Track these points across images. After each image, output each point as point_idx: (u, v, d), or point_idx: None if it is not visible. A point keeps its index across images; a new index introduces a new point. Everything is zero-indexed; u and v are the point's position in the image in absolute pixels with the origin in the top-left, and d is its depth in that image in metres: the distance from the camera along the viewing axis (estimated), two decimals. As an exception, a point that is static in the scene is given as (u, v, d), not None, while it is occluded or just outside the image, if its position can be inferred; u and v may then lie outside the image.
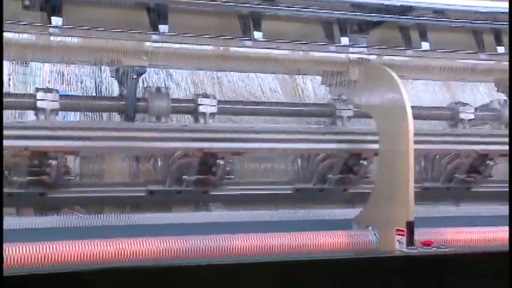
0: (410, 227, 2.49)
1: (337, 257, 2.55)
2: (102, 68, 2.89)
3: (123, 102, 2.74)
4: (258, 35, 2.78)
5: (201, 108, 2.81)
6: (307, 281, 2.33)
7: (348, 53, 2.91)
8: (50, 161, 2.54)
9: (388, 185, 2.63)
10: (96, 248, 2.40)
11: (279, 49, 2.82)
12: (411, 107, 2.56)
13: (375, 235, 2.68)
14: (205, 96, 2.84)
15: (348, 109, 3.03)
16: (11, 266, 2.27)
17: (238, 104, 3.00)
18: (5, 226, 2.48)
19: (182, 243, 2.49)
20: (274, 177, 3.10)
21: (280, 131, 2.94)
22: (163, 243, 2.48)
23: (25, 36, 2.50)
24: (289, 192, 3.04)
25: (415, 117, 2.56)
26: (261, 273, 2.34)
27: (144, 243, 2.47)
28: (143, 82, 2.90)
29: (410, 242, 2.48)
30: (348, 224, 2.81)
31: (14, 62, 2.69)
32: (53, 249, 2.34)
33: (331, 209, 3.00)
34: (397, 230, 2.55)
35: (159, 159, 2.85)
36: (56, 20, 2.53)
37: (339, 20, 2.94)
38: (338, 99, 3.05)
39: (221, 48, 2.74)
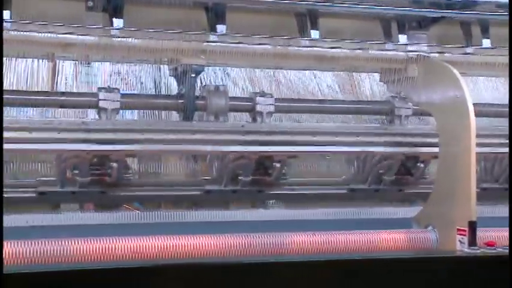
0: (473, 226, 2.44)
1: (397, 256, 2.53)
2: (161, 67, 2.96)
3: (182, 101, 2.78)
4: (315, 33, 2.78)
5: (259, 107, 2.83)
6: (366, 279, 2.31)
7: (407, 51, 2.87)
8: (110, 162, 2.61)
9: (449, 184, 2.58)
10: (154, 244, 2.47)
11: (336, 47, 2.80)
12: (473, 104, 2.51)
13: (435, 234, 2.65)
14: (263, 94, 2.86)
15: (407, 107, 3.01)
16: (76, 259, 2.35)
17: (295, 102, 3.00)
18: (67, 222, 2.59)
19: (239, 241, 2.51)
20: (329, 177, 3.11)
21: (337, 133, 2.91)
22: (221, 240, 2.52)
23: (88, 37, 2.57)
24: (344, 192, 3.04)
25: (477, 114, 2.50)
26: (319, 271, 2.34)
27: (203, 240, 2.52)
28: (201, 81, 2.96)
29: (473, 242, 2.43)
30: (404, 224, 2.78)
31: (77, 62, 2.79)
32: (113, 244, 2.42)
33: (387, 208, 2.98)
34: (459, 229, 2.51)
35: (215, 159, 2.88)
36: (118, 21, 2.60)
37: (397, 16, 2.91)
38: (396, 97, 3.03)
39: (278, 46, 2.74)
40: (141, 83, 2.99)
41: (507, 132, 2.95)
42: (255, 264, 2.49)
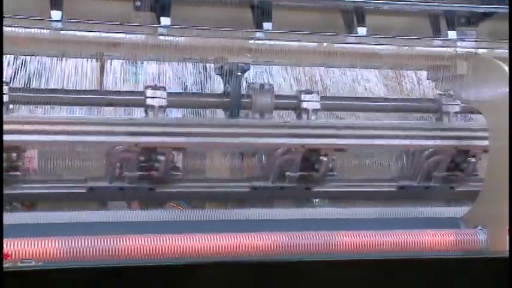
0: (525, 226, 2.39)
1: (445, 256, 2.49)
2: (207, 65, 2.98)
3: (228, 99, 2.79)
4: (361, 30, 2.76)
5: (304, 105, 2.82)
6: (413, 279, 2.29)
7: (456, 47, 2.82)
8: (159, 156, 2.63)
9: (499, 183, 2.52)
10: (200, 241, 2.49)
11: (383, 44, 2.77)
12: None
13: (485, 234, 2.60)
14: (308, 92, 2.85)
15: (455, 104, 2.96)
16: (126, 256, 2.39)
17: (341, 100, 2.98)
18: (117, 219, 2.63)
19: (287, 239, 2.52)
20: (377, 174, 3.07)
21: (385, 127, 2.90)
22: (268, 238, 2.52)
23: (136, 35, 2.60)
24: (392, 189, 3.00)
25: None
26: (365, 270, 2.32)
27: (249, 238, 2.53)
28: (246, 79, 2.97)
29: (525, 243, 2.38)
30: (454, 223, 2.73)
31: (124, 61, 2.83)
32: (161, 241, 2.45)
33: (436, 207, 2.94)
34: (510, 230, 2.45)
35: (262, 156, 2.88)
36: (165, 20, 2.63)
37: (446, 12, 2.86)
38: (445, 95, 2.98)
39: (324, 44, 2.73)
40: (186, 82, 3.03)
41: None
42: (299, 263, 2.50)
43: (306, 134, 2.76)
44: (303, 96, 2.81)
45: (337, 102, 2.95)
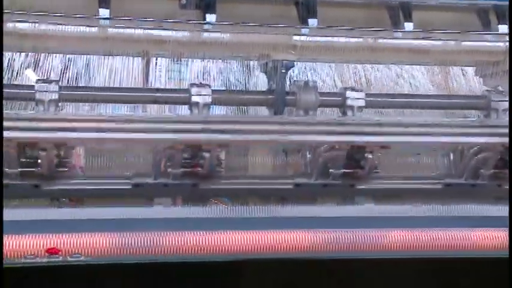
0: None
1: (494, 255, 2.44)
2: (249, 63, 2.98)
3: (272, 96, 2.79)
4: (408, 25, 2.72)
5: (349, 102, 2.78)
6: (459, 280, 2.26)
7: (505, 41, 2.76)
8: (203, 153, 2.64)
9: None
10: (244, 239, 2.49)
11: (430, 40, 2.73)
12: None
13: (533, 234, 2.54)
14: (354, 89, 2.81)
15: (504, 100, 2.88)
16: (170, 253, 2.41)
17: (387, 97, 2.95)
18: (161, 215, 2.66)
19: (329, 236, 2.50)
20: (423, 171, 3.03)
21: (431, 124, 2.83)
22: (311, 236, 2.51)
23: (181, 33, 2.62)
24: (438, 187, 2.95)
25: None
26: (409, 270, 2.30)
27: (291, 235, 2.52)
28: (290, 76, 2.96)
29: None
30: (503, 222, 2.68)
31: (169, 59, 2.86)
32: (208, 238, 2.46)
33: (483, 205, 2.88)
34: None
35: (306, 153, 2.87)
36: (210, 17, 2.64)
37: (495, 6, 2.81)
38: (493, 91, 2.92)
39: (370, 40, 2.71)
40: (229, 79, 3.04)
41: None
42: (341, 261, 2.49)
43: (351, 131, 2.72)
44: (348, 93, 2.79)
45: (383, 99, 2.92)
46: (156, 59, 2.85)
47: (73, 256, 2.32)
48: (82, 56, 2.83)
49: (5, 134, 2.41)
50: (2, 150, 2.39)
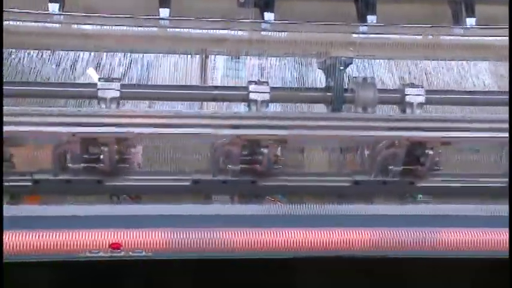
0: None
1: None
2: (308, 59, 2.98)
3: (330, 93, 2.77)
4: (470, 21, 2.67)
5: (408, 98, 2.74)
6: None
7: None
8: (261, 150, 2.65)
9: None
10: (301, 236, 2.49)
11: (492, 35, 2.66)
12: None
13: None
14: (413, 86, 2.77)
15: None
16: (227, 249, 2.43)
17: (446, 93, 2.89)
18: (218, 212, 2.69)
19: (387, 235, 2.48)
20: (484, 169, 2.97)
21: (492, 120, 2.77)
22: (369, 234, 2.49)
23: (239, 32, 2.64)
24: (502, 185, 2.87)
25: None
26: (468, 269, 2.26)
27: (349, 233, 2.51)
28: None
29: None
30: None
31: (227, 57, 2.88)
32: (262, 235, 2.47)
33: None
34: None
35: (365, 149, 2.85)
36: (268, 16, 2.64)
37: None
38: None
39: (430, 36, 2.66)
40: (285, 77, 3.03)
41: None
42: (398, 260, 2.46)
43: (411, 127, 2.69)
44: (407, 90, 2.75)
45: (443, 96, 2.86)
46: (215, 58, 2.88)
47: (135, 251, 2.38)
48: (142, 54, 2.89)
49: (68, 129, 2.48)
50: (2, 150, 2.43)
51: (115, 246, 2.38)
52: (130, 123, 2.56)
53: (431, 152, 2.67)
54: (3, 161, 2.47)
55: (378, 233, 2.49)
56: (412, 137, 2.66)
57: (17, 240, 2.31)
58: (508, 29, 2.64)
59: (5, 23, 2.51)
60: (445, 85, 2.94)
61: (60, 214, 2.48)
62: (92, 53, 2.81)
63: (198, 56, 2.89)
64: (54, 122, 2.47)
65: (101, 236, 2.34)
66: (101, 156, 2.55)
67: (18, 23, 2.50)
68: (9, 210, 2.43)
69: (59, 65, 2.79)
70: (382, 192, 2.86)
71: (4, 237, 2.28)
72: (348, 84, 2.82)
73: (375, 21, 2.68)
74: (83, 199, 2.68)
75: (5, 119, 2.39)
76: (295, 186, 2.84)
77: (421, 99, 2.75)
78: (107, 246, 2.35)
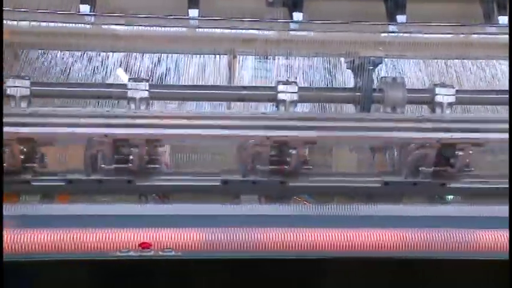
0: None
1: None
2: (333, 59, 2.96)
3: (359, 93, 2.76)
4: (503, 19, 2.63)
5: (439, 98, 2.72)
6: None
7: None
8: (290, 150, 2.63)
9: None
10: (330, 237, 2.48)
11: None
12: None
13: None
14: (443, 85, 2.74)
15: None
16: (257, 249, 2.43)
17: (478, 93, 2.86)
18: (247, 212, 2.68)
19: (417, 236, 2.45)
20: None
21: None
22: (399, 235, 2.47)
23: (268, 32, 2.63)
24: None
25: None
26: (505, 271, 2.22)
27: (378, 234, 2.49)
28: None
29: None
30: None
31: (257, 57, 2.88)
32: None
33: None
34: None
35: (394, 150, 2.83)
36: (297, 15, 2.64)
37: None
38: None
39: (461, 35, 2.63)
40: (313, 77, 3.02)
41: None
42: (430, 261, 2.44)
43: (441, 128, 2.65)
44: (438, 90, 2.72)
45: (474, 95, 2.83)
46: (243, 57, 2.88)
47: (164, 251, 2.39)
48: (170, 55, 2.90)
49: (99, 131, 2.50)
50: (2, 150, 2.44)
51: (145, 245, 2.39)
52: (161, 124, 2.56)
53: (461, 153, 2.64)
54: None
55: (407, 234, 2.48)
56: (444, 139, 2.63)
57: (48, 239, 2.34)
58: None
59: (36, 24, 2.55)
60: (475, 85, 2.91)
61: (91, 213, 2.51)
62: (121, 54, 2.84)
63: (226, 56, 2.89)
64: (86, 123, 2.50)
65: (131, 236, 2.36)
66: (131, 157, 2.58)
67: (49, 24, 2.54)
68: (41, 209, 2.48)
69: (88, 66, 2.82)
70: (412, 194, 2.84)
71: (36, 235, 2.31)
72: (376, 84, 2.82)
73: (404, 21, 2.66)
74: (113, 198, 2.71)
75: (37, 120, 2.43)
76: (324, 187, 2.84)
77: (452, 99, 2.73)
78: (137, 245, 2.37)
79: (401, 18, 2.67)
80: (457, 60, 2.90)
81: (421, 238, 2.45)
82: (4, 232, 2.23)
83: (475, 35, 2.66)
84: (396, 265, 2.46)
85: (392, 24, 2.68)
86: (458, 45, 2.69)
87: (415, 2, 2.69)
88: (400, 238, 2.45)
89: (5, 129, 2.41)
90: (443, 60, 2.91)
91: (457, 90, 2.77)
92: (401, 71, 2.94)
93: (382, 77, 2.80)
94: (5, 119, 2.41)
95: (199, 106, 2.89)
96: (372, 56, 2.69)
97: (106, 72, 2.82)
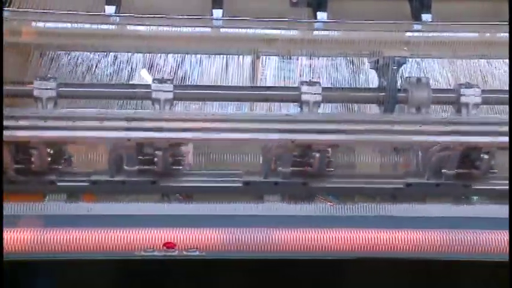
0: None
1: None
2: (355, 59, 2.94)
3: (383, 93, 2.73)
4: (529, 17, 2.58)
5: (464, 99, 2.69)
6: None
7: None
8: (313, 153, 2.62)
9: None
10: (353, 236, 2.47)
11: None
12: None
13: None
14: (469, 86, 2.71)
15: None
16: (280, 249, 2.43)
17: (504, 93, 2.75)
18: (269, 212, 2.68)
19: (439, 236, 2.44)
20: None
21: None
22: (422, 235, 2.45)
23: (292, 32, 2.63)
24: None
25: None
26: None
27: (400, 235, 2.47)
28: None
29: None
30: None
31: (280, 57, 2.87)
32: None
33: None
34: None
35: (418, 152, 2.80)
36: (321, 15, 2.63)
37: None
38: None
39: (487, 34, 2.61)
40: (336, 77, 3.01)
41: None
42: (452, 262, 2.42)
43: (466, 131, 2.62)
44: (463, 90, 2.69)
45: (500, 95, 2.77)
46: (267, 58, 2.87)
47: (189, 251, 2.39)
48: (192, 55, 2.90)
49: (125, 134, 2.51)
50: (2, 150, 2.45)
51: (169, 245, 2.40)
52: (186, 127, 2.56)
53: (486, 156, 2.61)
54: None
55: (430, 235, 2.46)
56: (468, 142, 2.61)
57: (74, 238, 2.36)
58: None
59: (61, 25, 2.58)
60: (501, 85, 2.87)
61: (116, 213, 2.53)
62: (144, 54, 2.85)
63: (249, 56, 2.89)
64: (110, 127, 2.51)
65: (156, 236, 2.38)
66: (155, 159, 2.59)
67: (75, 25, 2.56)
68: (67, 208, 2.50)
69: (112, 66, 2.83)
70: (435, 195, 2.81)
71: (63, 234, 2.33)
72: (400, 84, 2.79)
73: (429, 20, 2.64)
74: (137, 199, 2.72)
75: (63, 123, 2.46)
76: (347, 188, 2.83)
77: (477, 99, 2.69)
78: (161, 245, 2.38)
79: (426, 17, 2.65)
80: (482, 60, 2.88)
81: (444, 239, 2.45)
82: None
83: (501, 34, 2.62)
84: (419, 265, 2.45)
85: (417, 23, 2.66)
86: (484, 44, 2.66)
87: (441, 0, 2.67)
88: (422, 238, 2.45)
89: (31, 132, 2.46)
90: (469, 60, 2.89)
91: (482, 90, 2.74)
92: (425, 70, 2.92)
93: (406, 77, 2.77)
94: (31, 122, 2.46)
95: (221, 106, 2.89)
96: (397, 55, 2.67)
97: (130, 73, 2.83)
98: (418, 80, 2.74)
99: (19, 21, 2.56)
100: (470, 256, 2.38)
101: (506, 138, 2.60)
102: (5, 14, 2.51)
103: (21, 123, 2.47)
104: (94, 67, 2.77)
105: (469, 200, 2.84)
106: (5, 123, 2.40)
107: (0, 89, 2.46)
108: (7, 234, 2.30)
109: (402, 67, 2.76)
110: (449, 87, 2.80)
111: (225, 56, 2.85)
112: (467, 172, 2.70)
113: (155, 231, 2.39)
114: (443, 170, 2.72)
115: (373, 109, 2.88)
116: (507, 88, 2.84)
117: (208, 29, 2.64)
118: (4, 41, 2.47)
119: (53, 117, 2.50)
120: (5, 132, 2.41)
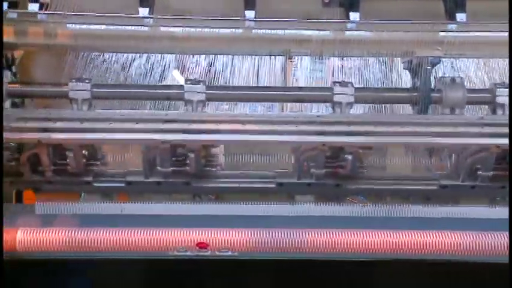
0: None
1: None
2: (387, 60, 2.92)
3: (416, 94, 2.70)
4: None
5: (500, 99, 2.63)
6: None
7: None
8: (345, 155, 2.61)
9: None
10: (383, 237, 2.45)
11: None
12: None
13: None
14: (504, 85, 2.66)
15: None
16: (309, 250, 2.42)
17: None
18: (302, 213, 2.67)
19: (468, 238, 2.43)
20: None
21: None
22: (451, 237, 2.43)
23: (324, 33, 2.62)
24: None
25: None
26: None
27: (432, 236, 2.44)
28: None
29: None
30: None
31: (313, 58, 2.86)
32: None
33: None
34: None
35: (452, 153, 2.77)
36: (354, 15, 2.62)
37: None
38: None
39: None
40: (368, 77, 2.99)
41: None
42: (486, 264, 2.39)
43: (501, 133, 2.57)
44: (498, 91, 2.65)
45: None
46: (300, 58, 2.86)
47: (221, 251, 2.40)
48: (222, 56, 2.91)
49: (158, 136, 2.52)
50: (2, 150, 2.45)
51: (202, 245, 2.41)
52: (219, 129, 2.57)
53: None
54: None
55: (462, 236, 2.44)
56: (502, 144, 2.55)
57: (108, 237, 2.39)
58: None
59: (95, 27, 2.61)
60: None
61: (149, 213, 2.55)
62: (175, 55, 2.86)
63: (281, 57, 2.89)
64: (144, 129, 2.53)
65: (189, 236, 2.39)
66: (188, 161, 2.60)
67: (110, 27, 2.59)
68: (101, 208, 2.53)
69: (144, 67, 2.85)
70: (470, 197, 2.78)
71: (97, 233, 2.36)
72: (434, 84, 2.76)
73: (464, 19, 2.60)
74: (169, 199, 2.74)
75: (99, 125, 2.49)
76: (380, 190, 2.81)
77: (506, 100, 2.63)
78: (194, 245, 2.39)
79: (461, 16, 2.61)
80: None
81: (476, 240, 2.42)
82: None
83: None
84: (450, 267, 2.43)
85: (451, 23, 2.63)
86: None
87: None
88: (454, 240, 2.42)
89: (67, 135, 2.50)
90: (504, 60, 2.84)
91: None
92: (459, 70, 2.89)
93: (440, 77, 2.74)
94: (67, 124, 2.49)
95: (252, 107, 2.89)
96: (430, 55, 2.64)
97: (161, 74, 2.85)
98: (452, 80, 2.71)
99: (55, 24, 2.60)
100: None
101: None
102: (42, 17, 2.56)
103: (59, 125, 2.51)
104: (128, 68, 2.80)
105: (505, 202, 2.81)
106: (43, 125, 2.45)
107: (0, 89, 2.50)
108: (39, 235, 2.35)
109: (436, 67, 2.74)
110: (484, 87, 2.78)
111: (256, 56, 2.86)
112: (503, 174, 2.65)
113: (188, 232, 2.41)
114: (478, 172, 2.68)
115: (406, 109, 2.87)
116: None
117: (240, 30, 2.64)
118: (40, 43, 2.51)
119: (89, 119, 2.53)
120: (43, 135, 2.46)
